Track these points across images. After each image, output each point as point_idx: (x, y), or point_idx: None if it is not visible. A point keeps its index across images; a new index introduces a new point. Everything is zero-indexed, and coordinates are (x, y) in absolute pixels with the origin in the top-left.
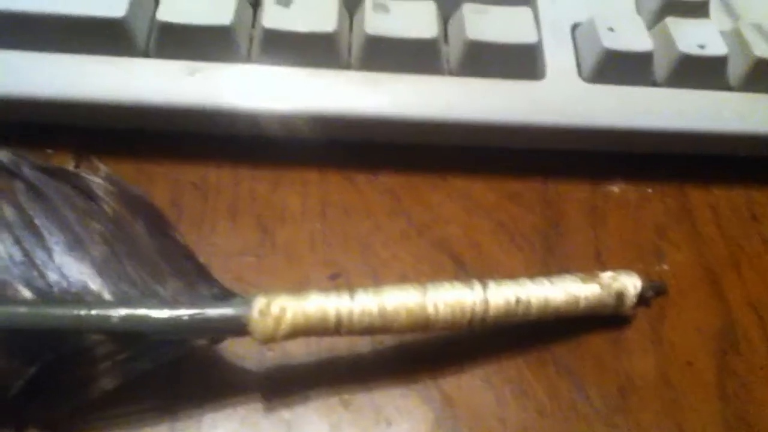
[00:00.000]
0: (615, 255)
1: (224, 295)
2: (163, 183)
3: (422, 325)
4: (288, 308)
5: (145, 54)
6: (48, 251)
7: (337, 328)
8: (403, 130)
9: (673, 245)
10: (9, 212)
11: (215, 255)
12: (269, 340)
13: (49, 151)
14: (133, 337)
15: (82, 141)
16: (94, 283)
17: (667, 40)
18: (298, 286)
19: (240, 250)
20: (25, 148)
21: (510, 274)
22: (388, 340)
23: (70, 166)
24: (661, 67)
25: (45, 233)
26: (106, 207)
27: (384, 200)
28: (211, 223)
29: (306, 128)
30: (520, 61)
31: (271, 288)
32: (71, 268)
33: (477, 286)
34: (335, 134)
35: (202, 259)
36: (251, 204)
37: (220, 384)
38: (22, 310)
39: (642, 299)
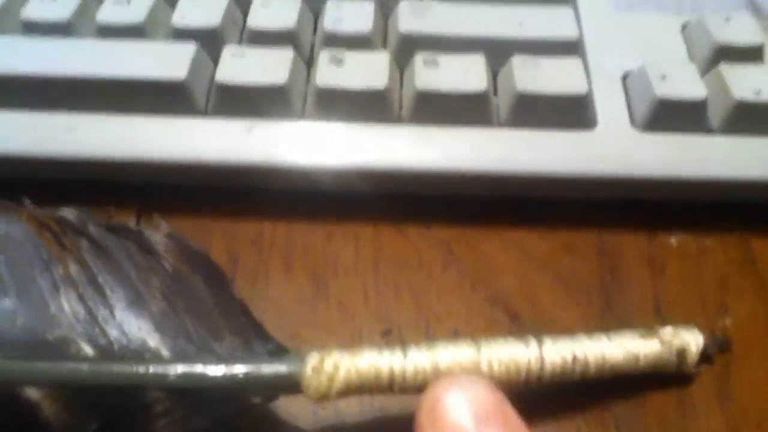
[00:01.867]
0: (675, 308)
1: (279, 352)
2: (221, 238)
3: None
4: (341, 365)
5: (204, 113)
6: (110, 308)
7: (390, 385)
8: (454, 183)
9: (737, 297)
10: (74, 269)
11: (270, 309)
12: (322, 397)
13: (112, 208)
14: (190, 394)
15: (144, 198)
16: (153, 340)
17: (722, 86)
18: (351, 341)
19: (294, 303)
20: (89, 206)
21: (566, 328)
22: None
23: (132, 223)
24: (716, 114)
25: (107, 290)
26: (165, 263)
27: (436, 253)
28: (265, 276)
29: (358, 182)
30: (571, 112)
31: (325, 343)
32: (131, 325)
33: (532, 343)
34: (387, 188)
35: (257, 313)
36: (305, 257)
37: None
38: (85, 367)
39: (705, 356)
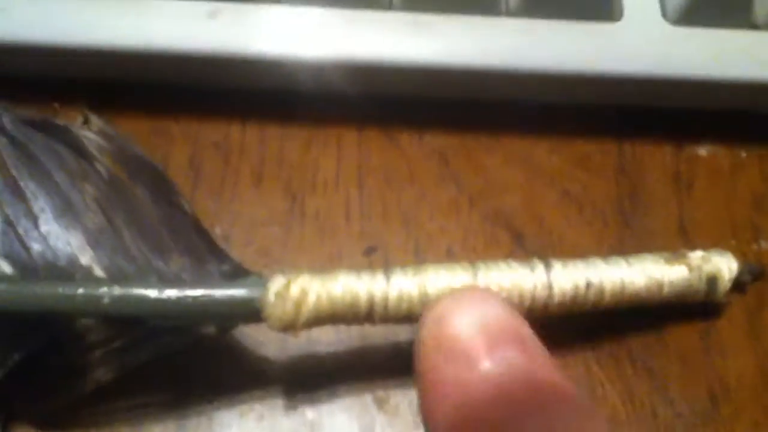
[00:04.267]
0: (702, 230)
1: (237, 274)
2: (181, 142)
3: None
4: (310, 290)
5: None
6: (33, 218)
7: (370, 315)
8: (454, 82)
9: None
10: None
11: (236, 225)
12: (287, 327)
13: (56, 105)
14: (128, 322)
15: (94, 96)
16: (85, 256)
17: None
18: (329, 264)
19: (264, 220)
20: (29, 105)
21: (578, 252)
22: None
23: (78, 123)
24: (762, 5)
25: (30, 197)
26: (100, 167)
27: (431, 164)
28: (232, 188)
29: (342, 79)
30: None
31: (299, 265)
32: (59, 238)
33: (539, 267)
34: (376, 87)
35: (220, 231)
36: (279, 167)
37: (236, 376)
38: (2, 287)
39: (738, 284)
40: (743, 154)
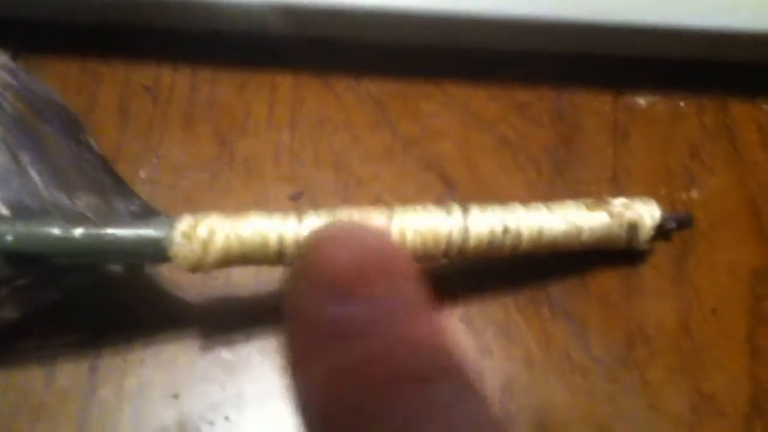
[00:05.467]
0: (636, 179)
1: (146, 214)
2: (110, 84)
3: None
4: (218, 231)
5: None
6: None
7: (280, 256)
8: (391, 25)
9: (707, 169)
10: None
11: (162, 169)
12: (195, 268)
13: None
14: (32, 260)
15: (21, 37)
16: None
17: None
18: (255, 208)
19: (192, 164)
20: None
21: (508, 198)
22: None
23: None
24: None
25: None
26: (6, 105)
27: (366, 109)
28: (160, 131)
29: (276, 20)
30: None
31: (224, 210)
32: None
33: (456, 211)
34: (311, 29)
35: (144, 174)
36: (209, 111)
37: (153, 316)
38: None
39: (661, 232)
40: (681, 104)
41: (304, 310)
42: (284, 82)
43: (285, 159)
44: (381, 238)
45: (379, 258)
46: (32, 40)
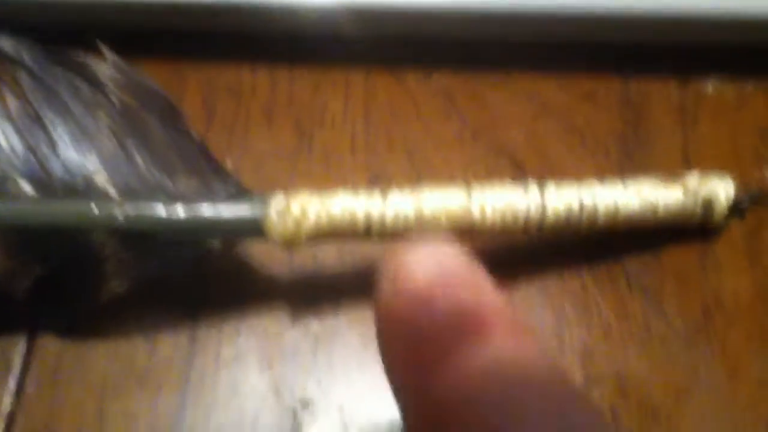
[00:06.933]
0: (706, 161)
1: (241, 195)
2: (195, 86)
3: (466, 231)
4: (310, 208)
5: None
6: (52, 144)
7: (367, 231)
8: (459, 23)
9: None
10: (11, 102)
11: (246, 160)
12: (289, 243)
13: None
14: (140, 237)
15: (114, 45)
16: (100, 178)
17: None
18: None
19: (274, 154)
20: None
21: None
22: None
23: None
24: None
25: (48, 125)
26: (114, 97)
27: (437, 102)
28: (244, 127)
29: (349, 23)
30: None
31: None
32: (76, 162)
33: (533, 188)
34: (383, 29)
35: (230, 163)
36: (288, 108)
37: (245, 291)
38: (22, 206)
39: (736, 209)
40: (749, 88)
41: (394, 317)
42: (357, 78)
43: (360, 148)
44: (457, 252)
45: (460, 271)
46: (127, 45)
